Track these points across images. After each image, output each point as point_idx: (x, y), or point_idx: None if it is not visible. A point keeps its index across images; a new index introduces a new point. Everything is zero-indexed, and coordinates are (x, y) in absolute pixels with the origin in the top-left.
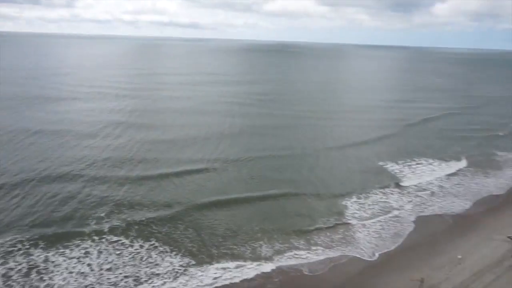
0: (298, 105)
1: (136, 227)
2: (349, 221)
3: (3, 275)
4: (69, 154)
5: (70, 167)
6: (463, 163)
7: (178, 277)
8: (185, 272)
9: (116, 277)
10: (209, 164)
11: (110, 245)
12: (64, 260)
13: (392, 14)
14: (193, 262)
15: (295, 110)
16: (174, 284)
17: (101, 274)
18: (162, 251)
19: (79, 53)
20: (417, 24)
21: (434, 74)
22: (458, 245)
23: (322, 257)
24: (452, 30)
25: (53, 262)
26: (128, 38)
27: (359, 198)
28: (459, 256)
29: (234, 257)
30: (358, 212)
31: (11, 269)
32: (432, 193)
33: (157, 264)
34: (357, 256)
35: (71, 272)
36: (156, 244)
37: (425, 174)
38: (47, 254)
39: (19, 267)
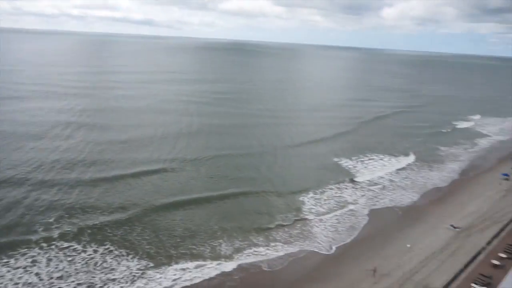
0: (256, 103)
1: (89, 231)
2: (306, 217)
3: None
4: (14, 157)
5: (15, 170)
6: (411, 158)
7: (135, 281)
8: (143, 275)
9: (68, 285)
10: (166, 164)
11: (61, 252)
12: (9, 271)
13: (344, 16)
14: (151, 265)
15: (253, 109)
16: None
17: (51, 283)
18: (118, 255)
19: (22, 49)
20: (368, 26)
21: (384, 74)
22: (407, 235)
23: (281, 253)
24: (399, 33)
25: None
26: (77, 34)
27: (316, 194)
28: (408, 245)
29: (193, 257)
30: (315, 207)
31: None
32: (383, 187)
33: (113, 269)
34: (315, 250)
35: (16, 284)
36: (111, 248)
37: (376, 169)
38: None
39: None
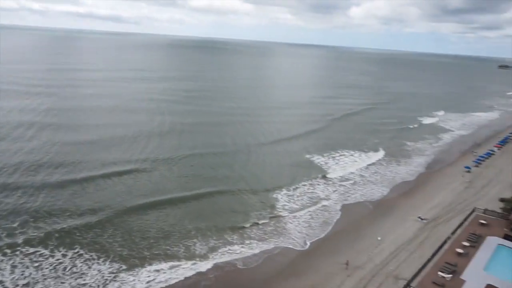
0: (228, 101)
1: (57, 235)
2: (280, 214)
3: None
4: None
5: None
6: (380, 154)
7: (107, 284)
8: (115, 279)
9: None
10: (138, 164)
11: (26, 258)
12: None
13: (313, 15)
14: (124, 267)
15: (225, 107)
16: None
17: None
18: (88, 259)
19: None
20: (336, 25)
21: (353, 72)
22: (377, 228)
23: (256, 251)
24: (366, 32)
25: None
26: (38, 29)
27: (289, 191)
28: (379, 238)
29: (167, 257)
30: (288, 204)
31: None
32: (355, 182)
33: (83, 273)
34: (290, 246)
35: None
36: (81, 251)
37: (348, 165)
38: None
39: None
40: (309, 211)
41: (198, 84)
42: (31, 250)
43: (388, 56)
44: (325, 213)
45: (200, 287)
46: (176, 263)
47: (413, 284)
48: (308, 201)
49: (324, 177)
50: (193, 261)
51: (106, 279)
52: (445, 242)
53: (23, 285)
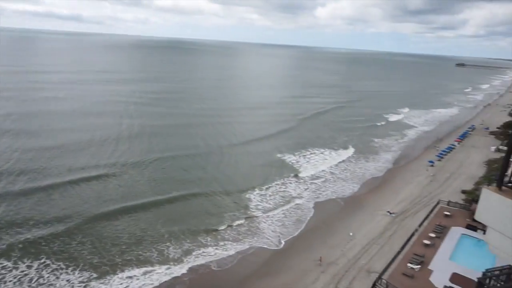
0: (197, 103)
1: (21, 246)
2: (254, 214)
3: None
4: None
5: None
6: (350, 151)
7: None
8: None
9: None
10: (106, 169)
11: None
12: None
13: (280, 15)
14: (95, 275)
15: (195, 108)
16: None
17: None
18: (56, 269)
19: None
20: (303, 25)
21: (320, 71)
22: (349, 224)
23: (231, 252)
24: (333, 32)
25: None
26: None
27: (262, 190)
28: (351, 233)
29: (140, 263)
30: (261, 204)
31: None
32: (326, 180)
33: (51, 285)
34: (264, 246)
35: None
36: (48, 261)
37: (318, 163)
38: None
39: None
40: (283, 210)
41: (167, 85)
42: None
43: (355, 55)
44: (298, 211)
45: None
46: (150, 268)
47: (384, 276)
48: (281, 200)
49: (296, 176)
50: (167, 266)
51: None
52: (413, 234)
53: None
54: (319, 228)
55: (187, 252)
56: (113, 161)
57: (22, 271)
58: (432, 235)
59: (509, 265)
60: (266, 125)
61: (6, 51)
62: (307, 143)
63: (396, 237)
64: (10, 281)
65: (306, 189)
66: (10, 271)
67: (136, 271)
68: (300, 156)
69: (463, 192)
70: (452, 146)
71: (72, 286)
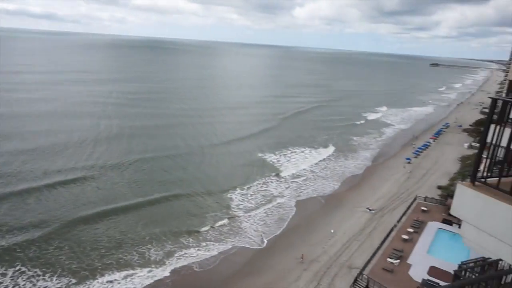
0: (177, 103)
1: None
2: (236, 213)
3: None
4: None
5: None
6: (329, 150)
7: None
8: None
9: None
10: (84, 171)
11: None
12: None
13: (259, 15)
14: (74, 281)
15: (175, 108)
16: None
17: None
18: (32, 276)
19: None
20: (282, 25)
21: (299, 71)
22: (330, 221)
23: (213, 252)
24: (311, 32)
25: None
26: None
27: (243, 190)
28: (332, 231)
29: (121, 266)
30: (243, 203)
31: None
32: (307, 178)
33: None
34: (247, 245)
35: None
36: (23, 268)
37: (299, 161)
38: None
39: None
40: (264, 209)
41: (145, 85)
42: None
43: (333, 55)
44: (280, 210)
45: None
46: (131, 271)
47: (365, 272)
48: (262, 199)
49: (277, 175)
50: (149, 268)
51: None
52: (391, 230)
53: None
54: (300, 226)
55: (169, 254)
56: (91, 163)
57: None
58: (410, 230)
59: (483, 257)
60: (247, 125)
61: None
62: (288, 142)
63: (375, 233)
64: None
65: (287, 188)
66: None
67: (117, 275)
68: (281, 155)
69: (439, 187)
70: (428, 144)
71: None
